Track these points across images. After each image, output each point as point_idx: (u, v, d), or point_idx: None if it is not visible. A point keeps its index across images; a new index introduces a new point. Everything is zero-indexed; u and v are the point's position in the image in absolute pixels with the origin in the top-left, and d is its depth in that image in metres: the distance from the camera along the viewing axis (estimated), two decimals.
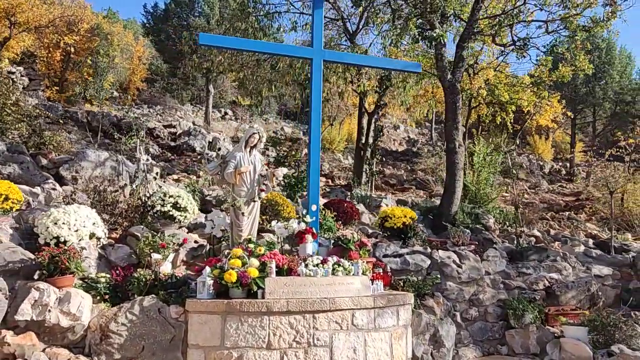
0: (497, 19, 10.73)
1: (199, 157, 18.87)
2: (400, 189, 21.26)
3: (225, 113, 32.30)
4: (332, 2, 15.87)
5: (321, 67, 7.38)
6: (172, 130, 22.57)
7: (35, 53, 22.98)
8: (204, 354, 5.65)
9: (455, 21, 11.38)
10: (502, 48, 11.44)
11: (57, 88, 23.03)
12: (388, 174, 24.81)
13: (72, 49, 22.47)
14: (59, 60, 23.06)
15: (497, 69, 13.72)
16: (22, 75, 22.64)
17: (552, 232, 13.13)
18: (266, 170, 7.01)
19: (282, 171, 7.09)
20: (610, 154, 16.09)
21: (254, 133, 6.91)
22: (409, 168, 26.86)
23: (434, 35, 9.38)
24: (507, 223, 11.80)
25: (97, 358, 5.54)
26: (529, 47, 11.49)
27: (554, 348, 7.38)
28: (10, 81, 12.32)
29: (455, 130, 10.51)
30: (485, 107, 14.97)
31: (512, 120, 14.78)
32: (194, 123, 25.04)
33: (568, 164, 27.09)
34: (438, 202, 15.34)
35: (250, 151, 6.94)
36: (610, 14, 10.85)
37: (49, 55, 22.68)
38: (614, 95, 25.48)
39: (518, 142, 24.24)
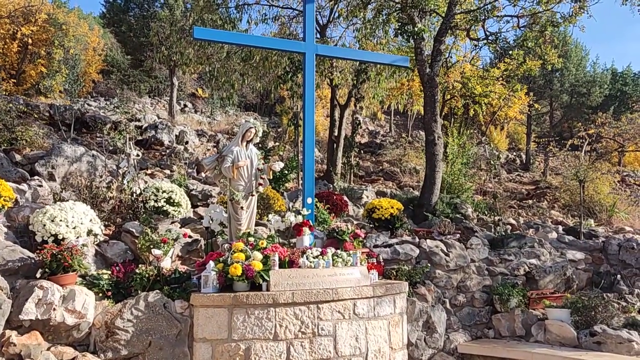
0: (473, 14, 11.05)
1: (167, 150, 18.59)
2: (369, 180, 21.55)
3: (185, 105, 31.78)
4: None
5: (314, 61, 7.46)
6: (138, 123, 22.09)
7: None
8: (211, 347, 5.70)
9: (431, 16, 11.63)
10: (476, 42, 11.81)
11: (14, 81, 22.18)
12: (354, 165, 25.09)
13: (30, 40, 21.67)
14: (16, 51, 22.21)
15: (470, 62, 14.13)
16: None
17: (522, 219, 13.66)
18: (263, 164, 7.06)
19: (279, 165, 7.11)
20: (571, 144, 16.82)
21: (250, 127, 6.95)
22: (374, 160, 27.26)
23: (416, 30, 9.59)
24: (480, 212, 12.21)
25: (103, 355, 5.50)
26: (500, 41, 11.88)
27: (539, 330, 7.77)
28: None
29: (434, 122, 10.79)
30: (460, 100, 15.38)
31: (484, 113, 15.25)
32: (158, 116, 24.58)
33: (523, 154, 28.01)
34: (409, 192, 15.73)
35: (246, 145, 6.99)
36: (577, 10, 11.32)
37: (5, 46, 21.80)
38: (570, 87, 26.52)
39: (486, 134, 24.95)
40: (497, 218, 11.06)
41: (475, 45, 12.25)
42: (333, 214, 8.85)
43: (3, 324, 5.16)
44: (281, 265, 6.13)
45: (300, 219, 7.08)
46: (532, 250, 9.31)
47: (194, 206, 9.17)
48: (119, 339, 5.54)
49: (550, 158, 23.22)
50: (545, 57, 12.22)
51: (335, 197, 9.13)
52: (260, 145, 14.74)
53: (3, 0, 18.27)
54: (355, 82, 14.89)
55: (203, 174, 13.50)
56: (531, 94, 21.81)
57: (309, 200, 7.35)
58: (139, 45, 26.91)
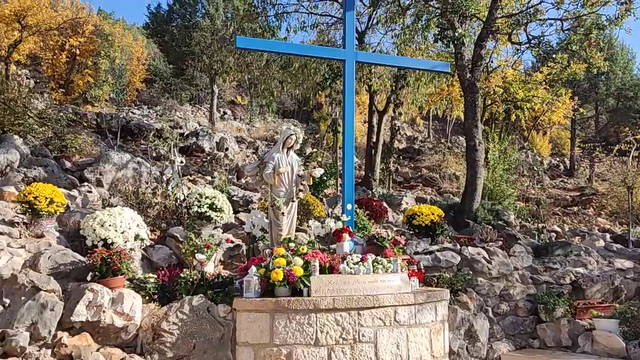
0: (515, 18, 10.89)
1: (208, 157, 18.95)
2: (408, 186, 21.41)
3: (224, 113, 32.38)
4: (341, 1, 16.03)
5: (353, 68, 7.51)
6: (179, 130, 22.57)
7: (40, 55, 23.01)
8: (253, 352, 5.76)
9: (472, 20, 11.52)
10: (518, 46, 11.62)
11: (63, 90, 23.07)
12: (393, 171, 24.95)
13: (78, 51, 22.53)
14: (64, 62, 23.13)
15: (512, 66, 13.95)
16: (27, 78, 22.66)
17: (566, 227, 13.32)
18: (303, 170, 7.13)
19: (319, 171, 7.16)
20: (618, 149, 16.30)
21: (291, 134, 7.02)
22: (413, 165, 27.07)
23: (457, 35, 9.53)
24: (523, 219, 11.98)
25: (149, 357, 5.64)
26: (543, 45, 11.66)
27: (586, 340, 7.55)
28: (27, 89, 12.43)
29: (475, 128, 10.67)
30: (501, 105, 15.16)
31: (526, 118, 15.00)
32: (199, 123, 25.10)
33: (567, 160, 27.31)
34: (450, 199, 15.56)
35: (287, 152, 7.07)
36: (623, 12, 11.02)
37: (54, 57, 22.73)
38: (616, 91, 25.77)
39: (528, 139, 24.48)
40: (540, 225, 10.82)
41: (517, 50, 12.08)
42: (372, 221, 8.84)
43: (55, 325, 5.37)
44: (322, 271, 6.15)
45: (340, 225, 7.11)
46: (579, 258, 9.06)
47: (235, 212, 9.32)
48: (165, 342, 5.67)
49: (596, 164, 22.59)
50: (590, 60, 11.93)
51: (374, 203, 9.12)
52: (299, 151, 14.90)
53: (52, 13, 19.04)
54: (394, 87, 14.88)
55: (243, 180, 13.71)
56: (576, 98, 21.30)
57: (349, 207, 7.37)
58: (181, 55, 27.58)
